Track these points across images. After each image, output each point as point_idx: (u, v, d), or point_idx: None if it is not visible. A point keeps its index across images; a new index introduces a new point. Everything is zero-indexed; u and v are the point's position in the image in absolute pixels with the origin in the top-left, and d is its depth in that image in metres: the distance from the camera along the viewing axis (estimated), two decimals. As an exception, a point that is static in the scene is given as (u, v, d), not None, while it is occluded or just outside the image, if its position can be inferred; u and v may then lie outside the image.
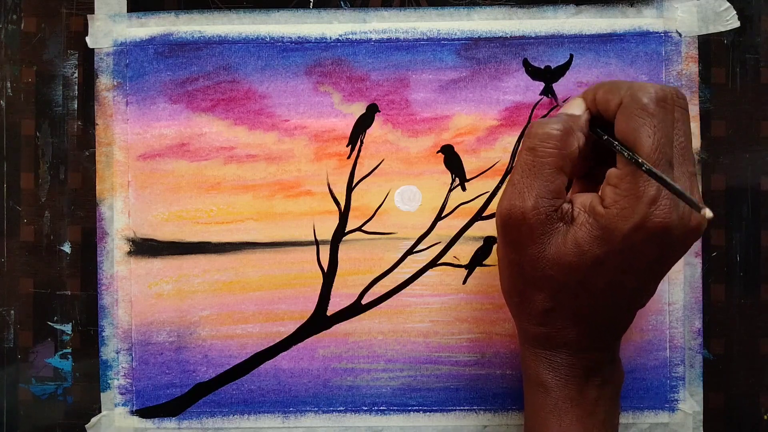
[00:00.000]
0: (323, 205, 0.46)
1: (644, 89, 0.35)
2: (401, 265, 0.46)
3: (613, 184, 0.35)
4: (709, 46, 0.46)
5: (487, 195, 0.46)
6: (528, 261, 0.36)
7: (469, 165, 0.46)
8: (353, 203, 0.46)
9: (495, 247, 0.46)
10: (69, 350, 0.46)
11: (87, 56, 0.46)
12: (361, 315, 0.46)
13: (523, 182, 0.36)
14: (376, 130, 0.46)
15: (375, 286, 0.46)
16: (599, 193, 0.36)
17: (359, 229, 0.46)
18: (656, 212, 0.34)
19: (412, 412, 0.46)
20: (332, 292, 0.46)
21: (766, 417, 0.46)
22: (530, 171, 0.36)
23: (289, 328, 0.46)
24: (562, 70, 0.46)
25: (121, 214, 0.46)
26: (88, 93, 0.46)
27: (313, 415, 0.46)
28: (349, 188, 0.46)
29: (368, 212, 0.46)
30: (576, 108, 0.38)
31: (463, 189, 0.46)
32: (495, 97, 0.46)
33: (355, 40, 0.46)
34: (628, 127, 0.35)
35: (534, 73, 0.46)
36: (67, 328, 0.46)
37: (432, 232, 0.46)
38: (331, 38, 0.46)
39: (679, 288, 0.45)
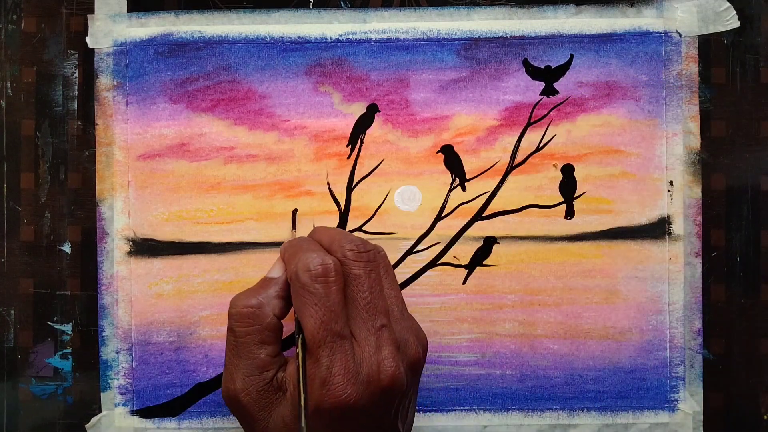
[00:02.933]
0: (323, 205, 0.46)
1: (306, 265, 0.35)
2: (401, 265, 0.46)
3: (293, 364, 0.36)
4: (709, 46, 0.46)
5: (487, 195, 0.46)
6: None
7: (469, 165, 0.46)
8: (353, 203, 0.46)
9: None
10: (69, 350, 0.46)
11: (87, 56, 0.46)
12: (361, 315, 0.46)
13: (232, 363, 0.36)
14: (376, 130, 0.46)
15: (375, 286, 0.46)
16: None
17: (359, 229, 0.46)
18: (329, 393, 0.33)
19: (412, 412, 0.46)
20: (332, 292, 0.46)
21: (766, 417, 0.46)
22: (234, 351, 0.36)
23: (289, 327, 0.46)
24: (562, 70, 0.46)
25: (121, 214, 0.46)
26: (88, 93, 0.46)
27: (313, 415, 0.46)
28: (349, 188, 0.46)
29: (368, 212, 0.46)
30: (276, 270, 0.38)
31: (463, 189, 0.46)
32: (495, 97, 0.46)
33: (355, 40, 0.46)
34: (296, 305, 0.36)
35: (534, 73, 0.46)
36: (67, 328, 0.46)
37: (432, 232, 0.46)
38: (331, 38, 0.46)
39: (679, 288, 0.45)
